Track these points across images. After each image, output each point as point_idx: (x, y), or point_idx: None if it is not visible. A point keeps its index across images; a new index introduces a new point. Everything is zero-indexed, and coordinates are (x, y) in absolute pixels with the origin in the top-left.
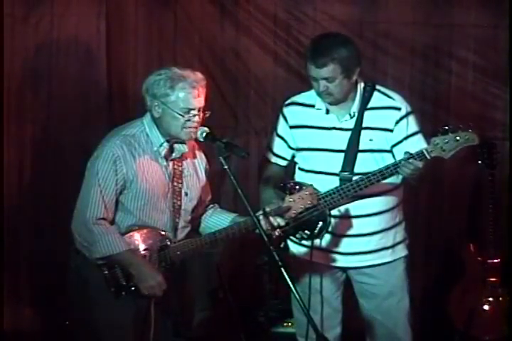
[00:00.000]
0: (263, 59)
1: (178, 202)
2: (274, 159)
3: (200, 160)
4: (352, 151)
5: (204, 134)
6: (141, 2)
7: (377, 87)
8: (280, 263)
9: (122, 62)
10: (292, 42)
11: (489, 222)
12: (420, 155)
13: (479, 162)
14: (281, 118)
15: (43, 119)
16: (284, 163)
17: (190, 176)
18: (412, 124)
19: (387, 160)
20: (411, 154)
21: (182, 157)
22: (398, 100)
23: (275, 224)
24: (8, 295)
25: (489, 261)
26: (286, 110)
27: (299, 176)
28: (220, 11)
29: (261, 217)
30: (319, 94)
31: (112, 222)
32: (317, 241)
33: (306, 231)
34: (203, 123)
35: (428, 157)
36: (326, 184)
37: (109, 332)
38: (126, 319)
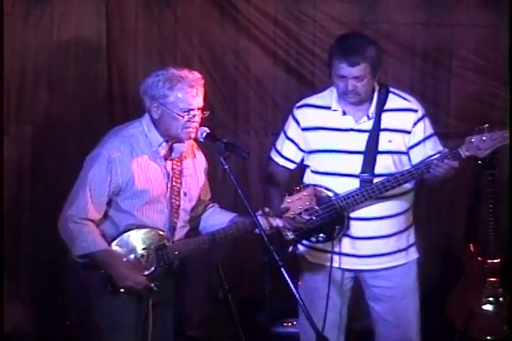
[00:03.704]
0: (263, 59)
1: (177, 202)
2: (282, 162)
3: (200, 160)
4: (371, 152)
5: (204, 134)
6: (141, 2)
7: (391, 89)
8: (280, 264)
9: (122, 62)
10: (292, 42)
11: (489, 222)
12: (455, 154)
13: (479, 162)
14: (291, 121)
15: (43, 119)
16: (292, 166)
17: (189, 176)
18: (428, 126)
19: (404, 161)
20: (445, 154)
21: (181, 157)
22: (414, 102)
23: (273, 224)
24: (8, 296)
25: (489, 261)
26: (297, 112)
27: (313, 179)
28: (219, 11)
29: (260, 218)
30: (345, 93)
31: (98, 222)
32: (329, 244)
33: (322, 234)
34: (202, 123)
35: (463, 156)
36: (345, 186)
37: (111, 333)
38: (127, 319)
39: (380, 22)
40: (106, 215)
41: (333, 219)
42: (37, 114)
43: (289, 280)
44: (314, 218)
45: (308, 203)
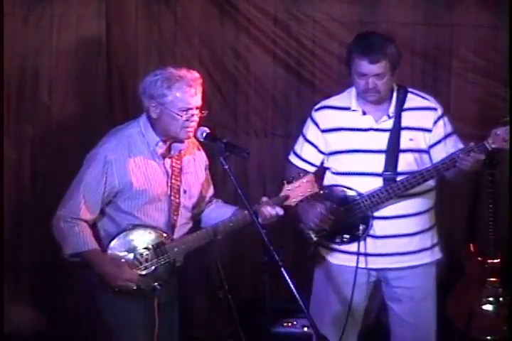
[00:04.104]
0: (263, 59)
1: (177, 200)
2: (302, 165)
3: (200, 157)
4: (393, 151)
5: (204, 134)
6: (141, 2)
7: (409, 88)
8: (280, 264)
9: (122, 62)
10: (292, 42)
11: (489, 222)
12: (481, 147)
13: (486, 160)
14: (310, 124)
15: (43, 119)
16: (312, 169)
17: (189, 173)
18: (448, 124)
19: (426, 160)
20: (471, 147)
21: (180, 154)
22: (432, 101)
23: (273, 213)
24: (8, 296)
25: (489, 261)
26: (316, 114)
27: (334, 180)
28: (219, 11)
29: (259, 207)
30: (366, 91)
31: (92, 223)
32: (353, 245)
33: (346, 235)
34: (200, 123)
35: (489, 148)
36: (368, 185)
37: (120, 332)
38: (134, 318)
39: (380, 22)
40: (107, 215)
41: (357, 218)
42: (37, 114)
43: (289, 280)
44: (339, 219)
45: (309, 190)
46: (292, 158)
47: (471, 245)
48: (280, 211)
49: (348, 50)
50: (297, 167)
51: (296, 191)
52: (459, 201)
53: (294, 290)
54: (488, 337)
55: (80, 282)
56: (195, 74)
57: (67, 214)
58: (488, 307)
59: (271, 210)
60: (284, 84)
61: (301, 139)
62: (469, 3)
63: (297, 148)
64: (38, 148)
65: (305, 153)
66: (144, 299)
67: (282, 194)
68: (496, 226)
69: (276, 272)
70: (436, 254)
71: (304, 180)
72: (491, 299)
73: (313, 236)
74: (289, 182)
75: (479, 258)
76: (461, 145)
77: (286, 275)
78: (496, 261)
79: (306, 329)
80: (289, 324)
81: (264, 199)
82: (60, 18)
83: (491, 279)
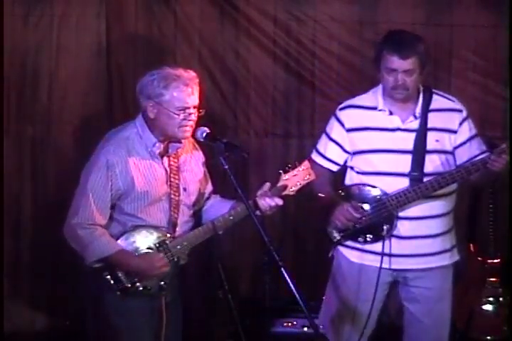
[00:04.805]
0: (263, 59)
1: (177, 198)
2: (326, 164)
3: (197, 154)
4: (419, 152)
5: (204, 134)
6: (141, 2)
7: (434, 90)
8: (280, 264)
9: (122, 62)
10: (292, 42)
11: (489, 222)
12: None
13: None
14: (335, 123)
15: (43, 119)
16: (335, 168)
17: (187, 171)
18: (472, 126)
19: (450, 161)
20: (503, 149)
21: (177, 153)
22: (457, 102)
23: (272, 204)
24: (8, 295)
25: (489, 261)
26: (341, 113)
27: (359, 179)
28: (219, 11)
29: (258, 199)
30: (394, 87)
31: (105, 226)
32: (375, 245)
33: (370, 235)
34: (198, 122)
35: None
36: (395, 185)
37: (125, 333)
38: (140, 318)
39: (380, 22)
40: (111, 217)
41: (382, 218)
42: (37, 114)
43: (289, 280)
44: (364, 218)
45: (307, 177)
46: (315, 157)
47: (471, 245)
48: (279, 201)
49: (378, 47)
50: (321, 166)
51: (293, 180)
52: (459, 201)
53: (294, 290)
54: (488, 337)
55: (86, 283)
56: (192, 74)
57: (82, 221)
58: (488, 307)
59: (270, 202)
60: (284, 84)
61: (324, 138)
62: (469, 3)
63: (320, 147)
64: (38, 148)
65: (329, 152)
66: (150, 299)
67: (280, 184)
68: (496, 226)
69: (276, 272)
70: (455, 256)
71: (301, 168)
72: (491, 299)
73: (336, 235)
74: (285, 172)
75: (479, 258)
76: (484, 148)
77: (286, 275)
78: (495, 261)
79: (306, 329)
80: (289, 324)
81: (262, 191)
82: (60, 18)
83: (491, 279)
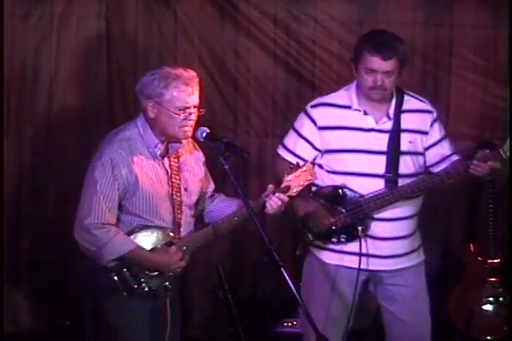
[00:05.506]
0: (263, 59)
1: (179, 198)
2: (294, 160)
3: (196, 154)
4: (394, 153)
5: (204, 134)
6: (141, 2)
7: (404, 90)
8: (280, 264)
9: (122, 62)
10: (292, 42)
11: (489, 222)
12: (496, 155)
13: None
14: (306, 120)
15: (43, 119)
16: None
17: (187, 171)
18: (441, 127)
19: (422, 162)
20: (486, 154)
21: (178, 153)
22: (428, 103)
23: (279, 202)
24: (8, 295)
25: (489, 261)
26: (313, 111)
27: (331, 179)
28: (219, 11)
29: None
30: (373, 88)
31: (117, 225)
32: (350, 246)
33: (343, 235)
34: (199, 122)
35: (504, 157)
36: (369, 186)
37: (124, 334)
38: (140, 320)
39: (380, 22)
40: (117, 218)
41: (357, 219)
42: (37, 114)
43: (289, 280)
44: (340, 221)
45: (308, 178)
46: (282, 153)
47: (471, 245)
48: (285, 197)
49: (358, 46)
50: (289, 162)
51: (296, 181)
52: (459, 201)
53: (294, 290)
54: (488, 337)
55: (86, 283)
56: (192, 73)
57: (96, 221)
58: (488, 307)
59: (277, 200)
60: (284, 84)
61: (293, 134)
62: (469, 3)
63: (289, 143)
64: (38, 148)
65: (298, 149)
66: (153, 299)
67: (284, 185)
68: (496, 226)
69: (276, 272)
70: (422, 255)
71: (303, 169)
72: (491, 299)
73: (310, 236)
74: (289, 173)
75: (479, 258)
76: (453, 148)
77: (286, 275)
78: (495, 261)
79: None
80: (289, 324)
81: (270, 189)
82: (60, 18)
83: (491, 279)
